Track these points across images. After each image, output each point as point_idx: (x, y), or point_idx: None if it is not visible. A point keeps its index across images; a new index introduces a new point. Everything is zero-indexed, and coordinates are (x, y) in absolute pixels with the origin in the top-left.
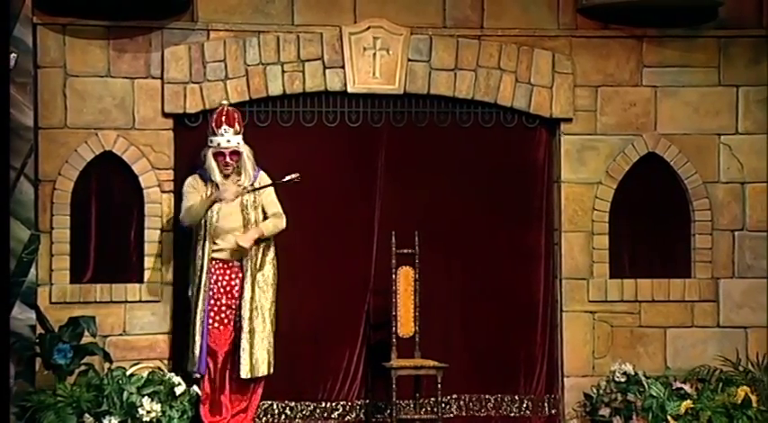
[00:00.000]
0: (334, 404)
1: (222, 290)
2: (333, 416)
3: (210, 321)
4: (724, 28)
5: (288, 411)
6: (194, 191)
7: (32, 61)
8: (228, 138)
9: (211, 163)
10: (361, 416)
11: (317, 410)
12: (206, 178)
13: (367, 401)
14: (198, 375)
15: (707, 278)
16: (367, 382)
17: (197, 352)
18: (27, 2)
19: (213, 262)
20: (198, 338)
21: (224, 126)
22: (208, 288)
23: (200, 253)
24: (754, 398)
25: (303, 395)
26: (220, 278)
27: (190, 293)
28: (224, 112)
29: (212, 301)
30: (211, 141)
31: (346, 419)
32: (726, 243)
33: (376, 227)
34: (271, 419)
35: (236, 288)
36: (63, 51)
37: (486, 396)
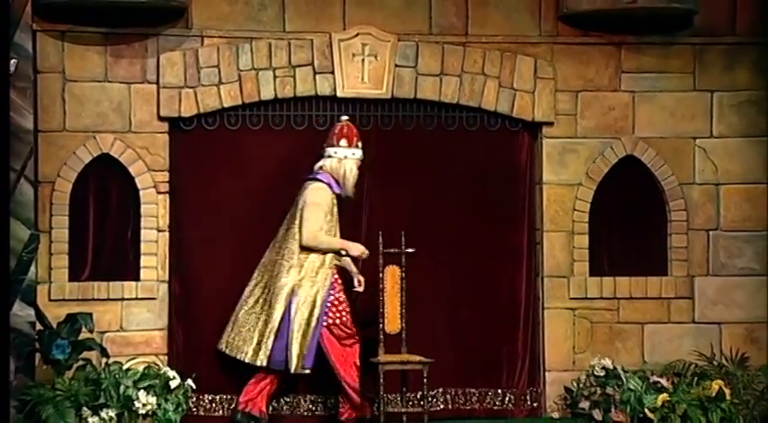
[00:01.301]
0: (323, 397)
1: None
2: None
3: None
4: (699, 35)
5: (276, 403)
6: (324, 207)
7: (32, 67)
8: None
9: (355, 174)
10: None
11: (307, 403)
12: (333, 190)
13: None
14: (305, 372)
15: (683, 276)
16: None
17: (307, 349)
18: (27, 9)
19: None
20: (310, 337)
21: (358, 142)
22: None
23: (331, 255)
24: (727, 391)
25: (293, 388)
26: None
27: (295, 291)
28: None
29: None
30: (354, 153)
31: (334, 412)
32: (701, 242)
33: (364, 227)
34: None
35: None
36: (62, 57)
37: (471, 390)
